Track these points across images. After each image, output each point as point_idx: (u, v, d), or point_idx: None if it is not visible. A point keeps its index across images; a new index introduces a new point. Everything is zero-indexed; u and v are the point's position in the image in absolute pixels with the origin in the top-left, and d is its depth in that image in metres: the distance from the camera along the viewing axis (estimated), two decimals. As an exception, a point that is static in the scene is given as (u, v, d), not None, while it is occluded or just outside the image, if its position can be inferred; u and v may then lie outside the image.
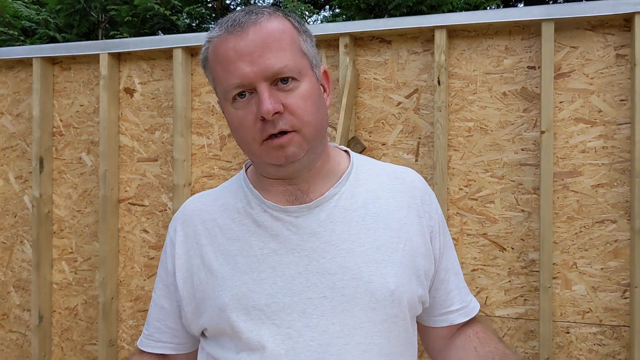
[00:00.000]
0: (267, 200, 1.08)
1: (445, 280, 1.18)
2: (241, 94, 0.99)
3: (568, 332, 2.34)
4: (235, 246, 1.07)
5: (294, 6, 5.43)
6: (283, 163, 1.01)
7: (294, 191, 1.08)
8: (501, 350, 1.16)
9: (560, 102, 2.36)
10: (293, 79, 0.99)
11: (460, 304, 1.20)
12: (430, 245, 1.13)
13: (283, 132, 0.98)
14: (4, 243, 3.18)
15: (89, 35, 5.73)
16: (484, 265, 2.44)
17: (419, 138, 2.53)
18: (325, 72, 1.11)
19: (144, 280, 2.94)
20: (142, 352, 1.20)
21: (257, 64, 0.97)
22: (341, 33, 2.54)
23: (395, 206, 1.11)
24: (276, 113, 0.97)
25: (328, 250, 1.04)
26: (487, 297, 2.44)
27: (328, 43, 2.62)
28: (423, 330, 1.24)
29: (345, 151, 1.19)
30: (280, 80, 0.98)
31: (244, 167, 1.19)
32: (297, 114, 0.99)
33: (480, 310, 1.26)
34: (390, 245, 1.07)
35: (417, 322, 1.22)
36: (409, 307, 1.08)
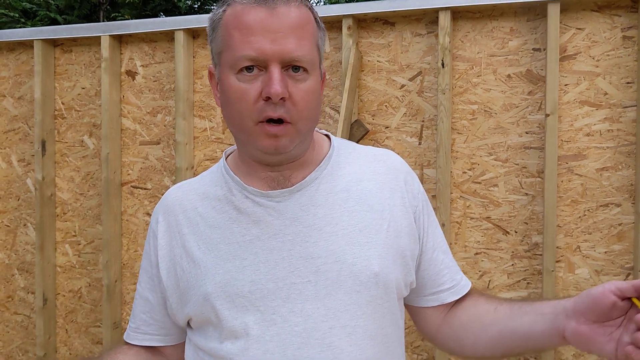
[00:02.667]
0: (249, 186, 1.07)
1: (434, 260, 1.17)
2: (249, 68, 0.96)
3: (571, 316, 2.34)
4: (217, 234, 1.06)
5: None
6: (272, 152, 1.00)
7: (276, 177, 1.07)
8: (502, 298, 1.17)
9: (566, 85, 2.34)
10: (305, 70, 0.98)
11: (451, 282, 1.19)
12: (414, 225, 1.12)
13: (279, 121, 0.97)
14: (8, 226, 3.19)
15: (90, 16, 5.69)
16: (487, 248, 2.44)
17: (423, 121, 2.51)
18: (324, 73, 1.10)
19: (147, 263, 2.94)
20: (130, 345, 1.19)
21: (278, 44, 0.95)
22: (344, 15, 2.52)
23: (377, 188, 1.10)
24: (282, 98, 0.95)
25: (311, 234, 1.03)
26: (490, 281, 2.43)
27: (331, 25, 2.59)
28: (415, 312, 1.23)
29: (326, 135, 1.18)
30: (292, 68, 0.97)
31: (224, 155, 1.17)
32: (299, 105, 0.98)
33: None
34: (373, 227, 1.06)
35: (408, 304, 1.22)
36: (394, 288, 1.07)
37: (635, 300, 0.90)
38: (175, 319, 1.12)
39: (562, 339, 0.99)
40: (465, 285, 1.22)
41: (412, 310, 1.23)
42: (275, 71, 0.95)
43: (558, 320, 1.00)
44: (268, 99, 0.95)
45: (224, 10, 1.01)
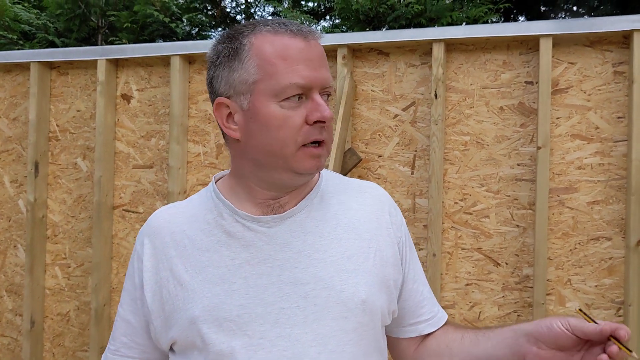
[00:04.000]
0: (240, 211, 1.08)
1: (414, 291, 1.20)
2: (299, 96, 1.00)
3: (561, 349, 2.32)
4: (205, 257, 1.06)
5: (293, 16, 5.43)
6: (311, 172, 1.04)
7: (273, 204, 1.09)
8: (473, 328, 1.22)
9: (558, 118, 2.36)
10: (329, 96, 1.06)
11: (429, 314, 1.22)
12: (398, 255, 1.15)
13: (318, 142, 1.02)
14: (-3, 247, 3.17)
15: (88, 40, 5.73)
16: (478, 279, 2.43)
17: (415, 151, 2.53)
18: None
19: (137, 287, 2.92)
20: None
21: (318, 72, 1.02)
22: (339, 44, 2.55)
23: (365, 217, 1.13)
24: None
25: (300, 260, 1.05)
26: (480, 312, 2.43)
27: (326, 54, 2.61)
28: (391, 342, 1.25)
29: None
30: (324, 96, 1.04)
31: (213, 179, 1.18)
32: (328, 129, 1.04)
33: (471, 324, 1.27)
34: (361, 254, 1.08)
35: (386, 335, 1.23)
36: (380, 315, 1.09)
37: (612, 339, 0.95)
38: (158, 343, 1.11)
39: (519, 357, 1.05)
40: (442, 317, 1.24)
41: (388, 340, 1.24)
42: (320, 97, 1.02)
43: (519, 345, 1.05)
44: (315, 123, 1.00)
45: (250, 39, 1.03)
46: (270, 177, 1.06)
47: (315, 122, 1.00)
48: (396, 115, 2.56)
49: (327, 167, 2.47)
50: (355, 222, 1.11)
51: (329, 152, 1.06)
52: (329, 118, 1.00)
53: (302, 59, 1.00)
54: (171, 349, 1.11)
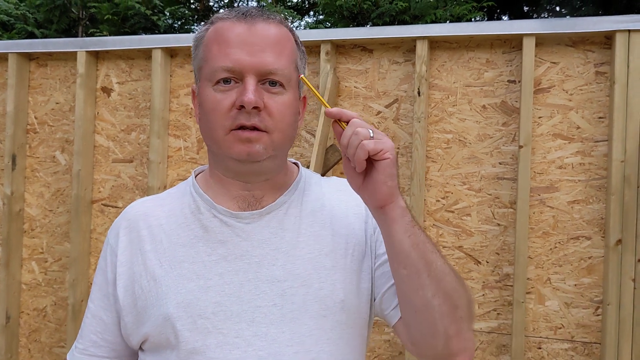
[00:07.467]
0: (218, 205, 1.06)
1: (390, 280, 1.15)
2: (226, 80, 0.99)
3: (540, 348, 2.34)
4: (181, 252, 1.04)
5: (276, 11, 5.41)
6: (244, 159, 1.00)
7: (247, 197, 1.07)
8: None
9: (539, 117, 2.37)
10: (281, 85, 1.01)
11: None
12: (375, 249, 1.12)
13: (254, 128, 0.98)
14: (-27, 241, 3.11)
15: (69, 31, 5.65)
16: (459, 277, 2.43)
17: (398, 148, 2.52)
18: (304, 98, 1.12)
19: (115, 282, 2.88)
20: None
21: (255, 56, 0.98)
22: (323, 40, 2.53)
23: (342, 213, 1.11)
24: (255, 108, 0.97)
25: (278, 257, 1.03)
26: (460, 310, 2.43)
27: (309, 49, 2.60)
28: (394, 329, 1.20)
29: (295, 164, 1.20)
30: (269, 82, 0.99)
31: (193, 174, 1.16)
32: (274, 117, 0.99)
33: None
34: (339, 251, 1.06)
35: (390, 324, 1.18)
36: (358, 312, 1.07)
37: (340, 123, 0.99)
38: (128, 340, 1.07)
39: (375, 209, 0.98)
40: None
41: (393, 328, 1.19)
42: (251, 82, 0.98)
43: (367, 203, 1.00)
44: (241, 107, 0.97)
45: (207, 29, 1.05)
46: (222, 163, 1.05)
47: (241, 106, 0.97)
48: (379, 112, 2.55)
49: (309, 163, 2.46)
50: (332, 218, 1.09)
51: (275, 142, 1.01)
52: (248, 103, 0.95)
53: (237, 42, 0.99)
54: (141, 347, 1.07)
